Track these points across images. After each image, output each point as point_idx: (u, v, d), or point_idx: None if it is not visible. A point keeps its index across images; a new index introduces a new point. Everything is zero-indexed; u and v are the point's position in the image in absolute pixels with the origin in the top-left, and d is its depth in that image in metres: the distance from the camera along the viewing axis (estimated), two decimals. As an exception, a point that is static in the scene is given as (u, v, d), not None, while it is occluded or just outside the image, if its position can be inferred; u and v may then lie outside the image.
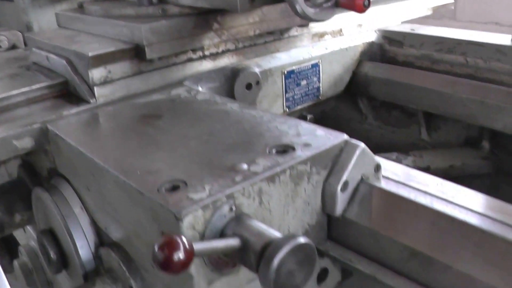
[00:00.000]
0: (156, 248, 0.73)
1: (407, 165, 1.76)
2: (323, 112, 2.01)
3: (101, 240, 1.22)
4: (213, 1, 1.40)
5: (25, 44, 2.01)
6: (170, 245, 0.73)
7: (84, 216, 1.21)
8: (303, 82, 1.78)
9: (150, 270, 1.04)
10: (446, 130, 1.95)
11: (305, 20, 1.39)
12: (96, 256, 1.21)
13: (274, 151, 1.02)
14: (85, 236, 1.20)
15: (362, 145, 1.06)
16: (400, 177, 1.15)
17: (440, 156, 1.84)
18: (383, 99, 2.03)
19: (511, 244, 0.88)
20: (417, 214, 1.01)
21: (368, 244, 1.05)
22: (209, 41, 1.51)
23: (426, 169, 1.77)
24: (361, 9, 1.29)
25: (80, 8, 1.75)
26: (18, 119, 1.32)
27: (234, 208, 0.90)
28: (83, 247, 1.20)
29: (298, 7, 1.28)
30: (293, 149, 1.02)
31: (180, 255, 0.73)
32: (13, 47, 2.05)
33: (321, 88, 1.86)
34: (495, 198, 1.08)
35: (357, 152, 1.04)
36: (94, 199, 1.18)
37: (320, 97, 1.88)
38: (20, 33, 2.05)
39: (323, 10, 1.33)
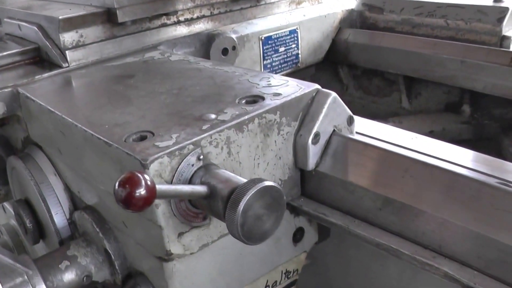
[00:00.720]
0: (117, 185, 0.72)
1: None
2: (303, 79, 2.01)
3: (75, 206, 1.22)
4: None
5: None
6: (131, 181, 0.72)
7: (57, 181, 1.21)
8: (281, 49, 1.78)
9: (122, 229, 1.04)
10: (427, 96, 1.95)
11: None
12: (71, 222, 1.20)
13: (243, 101, 1.02)
14: (60, 202, 1.20)
15: (333, 94, 1.05)
16: (375, 132, 1.15)
17: (420, 122, 1.85)
18: (364, 66, 2.04)
19: (482, 184, 0.89)
20: (390, 163, 1.01)
21: (342, 197, 1.05)
22: (183, 5, 1.51)
23: (406, 135, 1.78)
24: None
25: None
26: (-11, 85, 1.30)
27: (201, 157, 0.89)
28: (58, 213, 1.20)
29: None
30: (263, 98, 1.01)
31: (141, 191, 0.71)
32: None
33: (300, 55, 1.86)
34: (469, 149, 1.07)
35: (328, 101, 1.04)
36: (66, 162, 1.17)
37: (299, 65, 1.87)
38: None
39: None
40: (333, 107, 1.04)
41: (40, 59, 1.43)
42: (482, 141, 1.85)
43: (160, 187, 0.75)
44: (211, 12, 1.61)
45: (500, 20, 1.70)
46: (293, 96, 1.01)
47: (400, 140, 1.09)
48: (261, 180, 0.80)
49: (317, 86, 1.06)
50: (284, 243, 1.12)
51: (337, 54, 2.02)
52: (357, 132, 1.13)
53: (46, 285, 1.01)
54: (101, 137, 0.93)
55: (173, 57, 1.37)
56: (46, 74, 1.32)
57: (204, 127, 0.91)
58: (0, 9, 1.68)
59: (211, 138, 0.90)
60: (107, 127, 0.96)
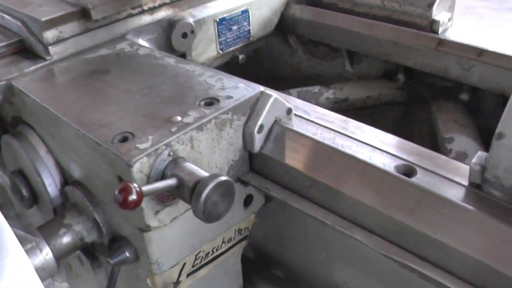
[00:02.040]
0: (116, 192, 1.06)
1: (328, 98, 2.12)
2: (255, 49, 2.33)
3: (66, 178, 1.53)
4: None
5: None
6: (125, 190, 1.06)
7: (49, 158, 1.52)
8: (234, 27, 2.09)
9: (109, 204, 1.37)
10: (367, 63, 2.29)
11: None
12: (62, 192, 1.52)
13: (202, 103, 1.34)
14: (52, 176, 1.51)
15: (274, 95, 1.38)
16: (311, 115, 1.51)
17: (359, 88, 2.18)
18: (310, 38, 2.35)
19: (386, 173, 1.24)
20: (317, 150, 1.35)
21: (281, 174, 1.40)
22: (146, -1, 1.82)
23: (345, 100, 2.14)
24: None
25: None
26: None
27: (171, 153, 1.23)
28: (51, 185, 1.51)
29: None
30: (218, 101, 1.34)
31: (133, 197, 1.06)
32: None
33: (251, 31, 2.18)
34: (387, 133, 1.43)
35: (270, 101, 1.37)
36: (58, 146, 1.48)
37: (251, 39, 2.19)
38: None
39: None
40: (274, 104, 1.37)
41: (23, 48, 1.70)
42: (414, 103, 2.22)
43: (145, 189, 1.09)
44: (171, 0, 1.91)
45: (430, 5, 1.99)
46: (242, 99, 1.34)
47: (331, 124, 1.45)
48: (217, 176, 1.14)
49: (261, 88, 1.38)
50: (236, 208, 1.46)
51: (286, 26, 2.32)
52: (296, 115, 1.47)
53: (50, 248, 1.35)
54: (92, 137, 1.25)
55: (141, 50, 1.67)
56: (33, 67, 1.61)
57: (173, 129, 1.24)
58: None
59: (179, 138, 1.23)
60: (96, 127, 1.29)
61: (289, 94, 2.11)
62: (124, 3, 1.75)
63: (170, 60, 1.59)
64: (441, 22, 2.01)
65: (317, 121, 1.48)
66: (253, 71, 2.33)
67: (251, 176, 1.45)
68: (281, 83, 2.53)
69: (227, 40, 2.09)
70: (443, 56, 1.96)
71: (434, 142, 2.05)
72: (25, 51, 1.71)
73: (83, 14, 1.69)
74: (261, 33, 2.24)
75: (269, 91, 1.40)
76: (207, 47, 2.03)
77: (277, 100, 1.39)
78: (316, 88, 2.16)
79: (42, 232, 1.37)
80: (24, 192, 1.60)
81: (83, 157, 1.37)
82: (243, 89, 1.39)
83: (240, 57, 2.16)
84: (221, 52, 2.09)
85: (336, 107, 2.13)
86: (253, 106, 1.38)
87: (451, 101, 2.09)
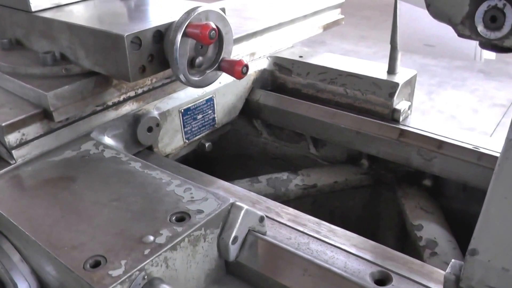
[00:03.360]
0: None
1: (297, 184, 2.13)
2: (221, 134, 2.34)
3: (42, 284, 1.49)
4: (108, 70, 1.67)
5: None
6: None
7: (24, 266, 1.48)
8: (199, 116, 2.10)
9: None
10: (331, 148, 2.32)
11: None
12: None
13: (173, 218, 1.33)
14: (28, 282, 1.47)
15: (245, 207, 1.38)
16: (284, 218, 1.51)
17: (326, 174, 2.21)
18: (274, 124, 2.38)
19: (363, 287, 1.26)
20: (293, 261, 1.36)
21: (258, 282, 1.40)
22: (110, 96, 1.80)
23: (314, 186, 2.15)
24: (240, 76, 1.62)
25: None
26: None
27: (146, 276, 1.21)
28: None
29: (182, 77, 1.60)
30: (189, 216, 1.33)
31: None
32: None
33: (216, 118, 2.19)
34: (360, 236, 1.45)
35: (242, 213, 1.37)
36: (31, 256, 1.45)
37: (216, 126, 2.20)
38: None
39: (207, 76, 1.65)
40: (246, 215, 1.38)
41: (-15, 150, 1.67)
42: (380, 186, 2.25)
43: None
44: (135, 93, 1.88)
45: (391, 95, 2.06)
46: (213, 214, 1.34)
47: (304, 227, 1.47)
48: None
49: (231, 201, 1.39)
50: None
51: (251, 111, 2.35)
52: (268, 217, 1.47)
53: None
54: (63, 262, 1.23)
55: (106, 152, 1.66)
56: (-3, 173, 1.58)
57: (146, 252, 1.22)
58: None
59: (153, 261, 1.21)
60: (66, 249, 1.26)
61: (259, 181, 2.12)
62: (87, 103, 1.73)
63: (137, 164, 1.58)
64: (402, 111, 2.08)
65: (290, 224, 1.49)
66: (220, 148, 2.36)
67: (228, 280, 1.44)
68: (249, 161, 2.58)
69: (193, 129, 2.09)
70: (405, 147, 2.01)
71: (402, 220, 2.09)
72: (-13, 154, 1.68)
73: (45, 115, 1.66)
74: (226, 119, 2.25)
75: (239, 202, 1.40)
76: (173, 138, 2.03)
77: (248, 211, 1.39)
78: (284, 175, 2.17)
79: None
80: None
81: (56, 274, 1.34)
82: (213, 201, 1.39)
83: (207, 145, 2.16)
84: (187, 141, 2.09)
85: (305, 193, 2.15)
86: (225, 219, 1.38)
87: (415, 187, 2.14)
